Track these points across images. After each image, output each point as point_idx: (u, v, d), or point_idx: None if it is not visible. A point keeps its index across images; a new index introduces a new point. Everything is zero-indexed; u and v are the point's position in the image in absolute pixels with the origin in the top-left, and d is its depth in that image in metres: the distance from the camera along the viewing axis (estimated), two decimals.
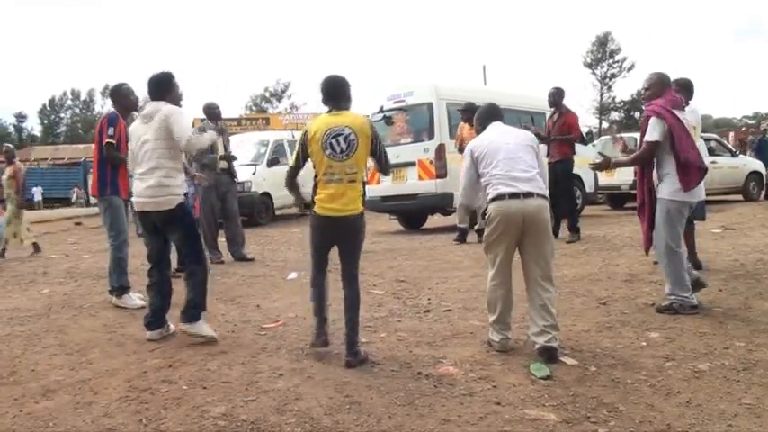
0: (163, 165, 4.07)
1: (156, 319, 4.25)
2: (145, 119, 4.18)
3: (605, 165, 4.86)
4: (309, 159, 3.69)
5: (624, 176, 12.28)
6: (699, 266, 5.61)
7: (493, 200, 3.76)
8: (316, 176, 3.64)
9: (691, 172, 4.39)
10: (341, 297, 3.75)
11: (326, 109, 3.71)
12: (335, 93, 3.69)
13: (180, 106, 4.29)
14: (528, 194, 3.68)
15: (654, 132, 4.44)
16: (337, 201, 3.55)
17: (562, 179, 8.07)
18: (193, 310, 4.11)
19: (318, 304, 3.75)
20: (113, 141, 5.30)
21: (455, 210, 9.33)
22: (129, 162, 4.52)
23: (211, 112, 7.64)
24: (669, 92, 4.62)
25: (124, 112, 5.53)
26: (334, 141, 3.54)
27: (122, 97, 5.48)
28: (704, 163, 4.46)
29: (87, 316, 4.99)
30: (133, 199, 4.20)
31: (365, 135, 3.57)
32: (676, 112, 4.46)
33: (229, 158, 7.71)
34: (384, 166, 3.81)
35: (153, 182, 4.05)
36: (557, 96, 8.27)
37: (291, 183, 3.90)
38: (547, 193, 3.81)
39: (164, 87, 4.24)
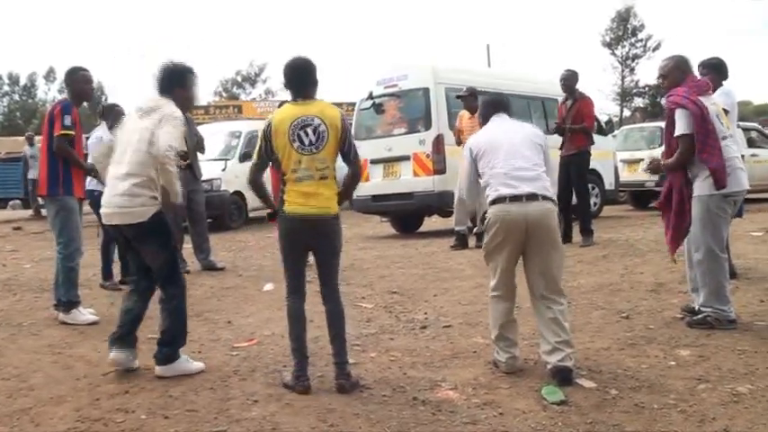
0: (140, 172, 3.79)
1: (128, 332, 3.89)
2: (141, 112, 3.89)
3: (658, 167, 4.90)
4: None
5: None
6: (733, 274, 5.62)
7: (492, 203, 3.78)
8: (283, 174, 3.64)
9: (714, 172, 4.43)
10: (322, 311, 3.75)
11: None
12: (301, 79, 3.69)
13: (191, 110, 3.95)
14: (531, 196, 3.70)
15: (682, 125, 4.49)
16: (312, 199, 3.55)
17: (575, 175, 8.10)
18: (170, 349, 3.86)
19: (297, 342, 3.65)
20: (71, 132, 5.19)
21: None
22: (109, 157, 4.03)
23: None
24: (690, 77, 4.69)
25: (77, 100, 5.49)
26: (302, 133, 3.55)
27: (77, 83, 5.45)
28: (719, 164, 4.40)
29: (28, 335, 4.95)
30: (101, 210, 3.98)
31: (336, 127, 3.58)
32: (702, 98, 4.52)
33: (196, 150, 7.66)
34: (354, 167, 3.76)
35: (124, 188, 3.80)
36: (571, 80, 8.27)
37: (256, 182, 3.81)
38: (554, 195, 3.83)
39: (175, 80, 3.97)
